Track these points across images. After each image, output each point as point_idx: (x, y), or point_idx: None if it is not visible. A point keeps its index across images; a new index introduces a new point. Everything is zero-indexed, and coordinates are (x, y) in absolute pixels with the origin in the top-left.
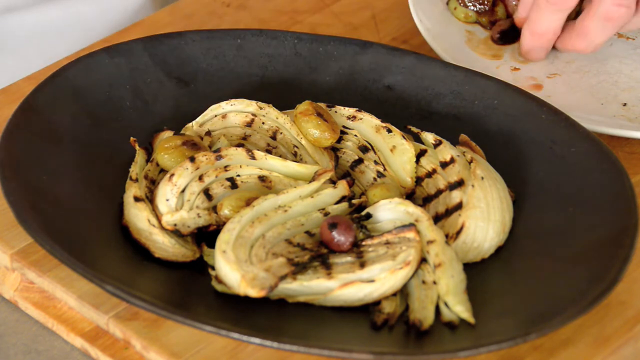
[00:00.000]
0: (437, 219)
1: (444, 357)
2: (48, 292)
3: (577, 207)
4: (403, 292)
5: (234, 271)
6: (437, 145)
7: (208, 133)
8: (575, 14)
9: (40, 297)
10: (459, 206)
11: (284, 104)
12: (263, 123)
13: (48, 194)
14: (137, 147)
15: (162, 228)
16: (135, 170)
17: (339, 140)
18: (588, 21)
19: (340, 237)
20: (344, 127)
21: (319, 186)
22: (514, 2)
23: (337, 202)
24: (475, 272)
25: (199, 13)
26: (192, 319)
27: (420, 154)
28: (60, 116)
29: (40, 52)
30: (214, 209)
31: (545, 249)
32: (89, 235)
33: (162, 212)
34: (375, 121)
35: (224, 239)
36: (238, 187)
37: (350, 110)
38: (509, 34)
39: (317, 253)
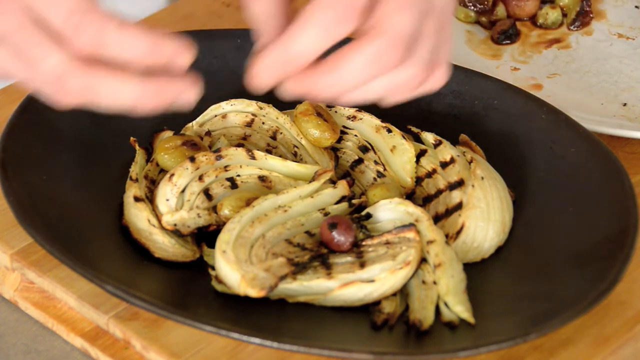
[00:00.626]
0: (437, 219)
1: (444, 357)
2: (48, 292)
3: (577, 207)
4: (403, 292)
5: (234, 271)
6: (437, 145)
7: (208, 133)
8: None
9: (40, 297)
10: (459, 206)
11: (284, 104)
12: (263, 123)
13: (48, 194)
14: (137, 147)
15: (162, 228)
16: (135, 170)
17: (339, 140)
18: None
19: (340, 237)
20: (344, 127)
21: (319, 186)
22: (513, 2)
23: (337, 202)
24: (475, 272)
25: (199, 13)
26: (192, 319)
27: (420, 154)
28: (60, 116)
29: None
30: (214, 209)
31: (545, 249)
32: (89, 235)
33: (162, 212)
34: (375, 121)
35: (224, 239)
36: (238, 187)
37: (350, 110)
38: (509, 34)
39: (317, 253)
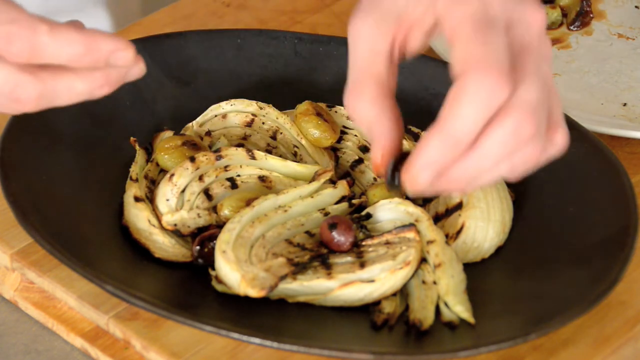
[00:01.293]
0: (437, 219)
1: (444, 357)
2: (48, 292)
3: (577, 207)
4: (403, 292)
5: (234, 271)
6: None
7: (208, 133)
8: None
9: (40, 297)
10: (459, 206)
11: (284, 104)
12: (263, 123)
13: (48, 194)
14: (137, 147)
15: (162, 228)
16: (135, 170)
17: (339, 140)
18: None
19: (340, 237)
20: (344, 127)
21: (319, 186)
22: None
23: (337, 202)
24: (475, 272)
25: (199, 13)
26: (192, 319)
27: None
28: (60, 116)
29: None
30: (214, 209)
31: (545, 249)
32: (89, 235)
33: (162, 212)
34: None
35: (224, 239)
36: (238, 187)
37: None
38: None
39: (317, 253)
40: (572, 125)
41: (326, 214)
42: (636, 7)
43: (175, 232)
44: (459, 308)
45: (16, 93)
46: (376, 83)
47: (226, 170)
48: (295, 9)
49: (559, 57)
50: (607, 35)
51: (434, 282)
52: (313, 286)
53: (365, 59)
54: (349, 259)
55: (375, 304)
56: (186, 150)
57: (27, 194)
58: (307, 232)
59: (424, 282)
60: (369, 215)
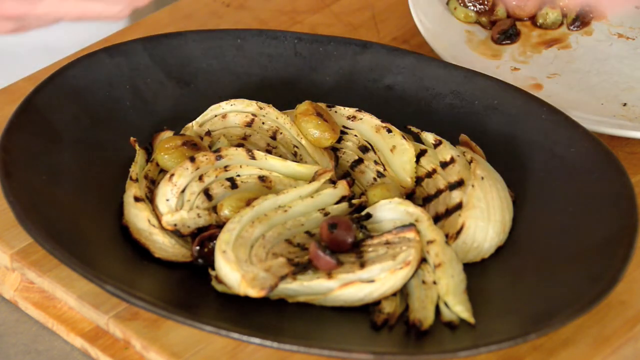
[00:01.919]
0: (437, 219)
1: (444, 357)
2: (48, 292)
3: (577, 207)
4: (403, 292)
5: (234, 271)
6: (437, 145)
7: (208, 133)
8: None
9: (40, 297)
10: (459, 206)
11: (284, 104)
12: (263, 123)
13: (48, 194)
14: (137, 147)
15: (162, 228)
16: (135, 170)
17: (339, 140)
18: None
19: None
20: (344, 127)
21: (319, 186)
22: (514, 2)
23: (337, 202)
24: (475, 272)
25: (199, 13)
26: (192, 319)
27: (420, 154)
28: (60, 116)
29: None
30: (214, 209)
31: (545, 249)
32: (89, 235)
33: (162, 212)
34: (375, 121)
35: (224, 239)
36: (238, 187)
37: (350, 110)
38: (509, 34)
39: None
40: (572, 125)
41: (326, 214)
42: (636, 7)
43: (175, 232)
44: (459, 308)
45: None
46: None
47: (226, 170)
48: (295, 9)
49: (559, 57)
50: (607, 35)
51: (434, 282)
52: (313, 286)
53: None
54: (349, 259)
55: (375, 304)
56: (186, 150)
57: (27, 194)
58: (307, 232)
59: (424, 282)
60: (369, 215)
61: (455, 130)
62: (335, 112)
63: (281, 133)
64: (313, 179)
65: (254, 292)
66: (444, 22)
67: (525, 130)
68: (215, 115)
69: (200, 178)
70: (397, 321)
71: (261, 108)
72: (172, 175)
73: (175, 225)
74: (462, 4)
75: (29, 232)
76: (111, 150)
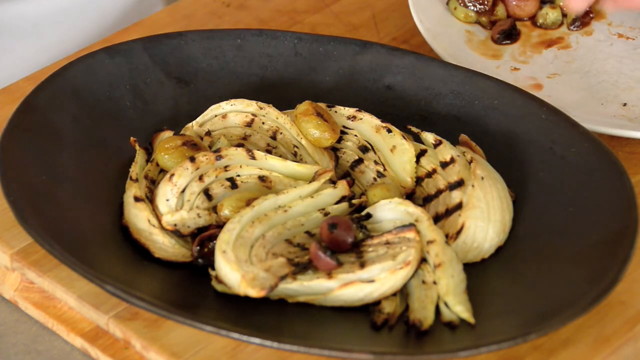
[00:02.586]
0: (437, 219)
1: (444, 357)
2: (48, 292)
3: (577, 207)
4: (403, 292)
5: (234, 271)
6: (437, 145)
7: (208, 133)
8: None
9: (40, 297)
10: (459, 206)
11: (284, 104)
12: (263, 123)
13: (48, 194)
14: (137, 147)
15: (162, 228)
16: (135, 170)
17: (339, 140)
18: None
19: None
20: (344, 127)
21: (319, 186)
22: (513, 2)
23: (337, 202)
24: (475, 272)
25: (199, 13)
26: (192, 319)
27: (420, 154)
28: (60, 116)
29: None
30: (214, 209)
31: (545, 249)
32: (89, 235)
33: (162, 212)
34: (375, 121)
35: (224, 239)
36: (238, 187)
37: (350, 110)
38: (509, 34)
39: None
40: (572, 125)
41: (326, 214)
42: None
43: (175, 232)
44: (459, 308)
45: None
46: None
47: (226, 170)
48: (295, 9)
49: (559, 57)
50: (607, 35)
51: (434, 282)
52: (313, 286)
53: None
54: (349, 259)
55: (375, 304)
56: (186, 150)
57: (27, 194)
58: (307, 232)
59: (424, 282)
60: (369, 215)
61: (455, 130)
62: (335, 112)
63: (281, 133)
64: (313, 179)
65: (254, 292)
66: (444, 22)
67: (525, 131)
68: (215, 115)
69: (200, 178)
70: (397, 321)
71: (261, 108)
72: (172, 175)
73: (175, 225)
74: (462, 4)
75: (29, 232)
76: (111, 150)
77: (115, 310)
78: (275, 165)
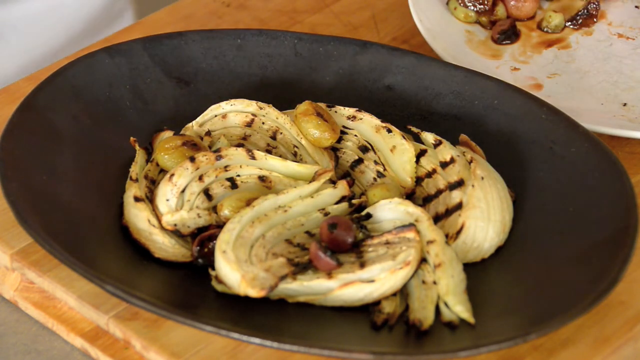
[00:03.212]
0: (437, 219)
1: (444, 357)
2: (48, 292)
3: (577, 207)
4: (403, 292)
5: (234, 271)
6: (437, 145)
7: (208, 133)
8: None
9: (40, 297)
10: (459, 206)
11: (284, 104)
12: (263, 123)
13: (48, 194)
14: (137, 147)
15: (162, 228)
16: (135, 170)
17: (339, 140)
18: None
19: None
20: (344, 127)
21: (319, 186)
22: (512, 3)
23: (337, 202)
24: (475, 272)
25: (199, 13)
26: (192, 319)
27: (420, 154)
28: (60, 116)
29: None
30: (214, 209)
31: (545, 249)
32: (89, 235)
33: (162, 212)
34: (375, 121)
35: (224, 239)
36: (238, 187)
37: (350, 110)
38: (509, 34)
39: None
40: (572, 125)
41: (326, 214)
42: (636, 7)
43: (175, 232)
44: (459, 308)
45: None
46: None
47: (226, 170)
48: (295, 9)
49: (559, 57)
50: (607, 35)
51: (434, 282)
52: (313, 286)
53: None
54: (349, 259)
55: (375, 304)
56: (186, 150)
57: (27, 194)
58: (307, 232)
59: (424, 282)
60: (369, 215)
61: (455, 130)
62: (335, 112)
63: (281, 133)
64: (313, 179)
65: (254, 292)
66: (444, 22)
67: (525, 130)
68: (215, 115)
69: (200, 178)
70: (397, 321)
71: (261, 108)
72: (172, 175)
73: (175, 225)
74: (462, 4)
75: (29, 232)
76: (111, 150)
77: (115, 310)
78: (275, 165)
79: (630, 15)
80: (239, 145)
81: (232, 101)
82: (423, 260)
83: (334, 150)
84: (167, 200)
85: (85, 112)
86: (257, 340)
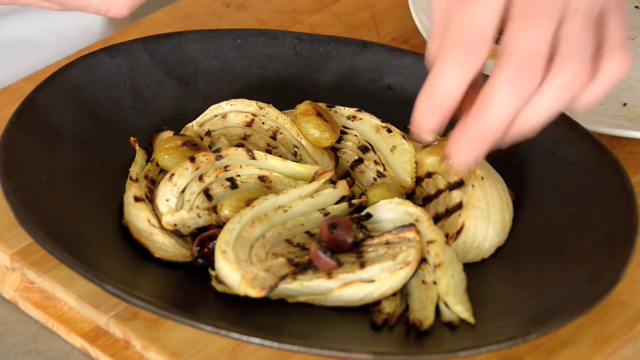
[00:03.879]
0: (437, 219)
1: (444, 357)
2: (48, 292)
3: (577, 207)
4: (403, 292)
5: (234, 271)
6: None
7: (208, 133)
8: None
9: (40, 297)
10: (459, 206)
11: (284, 104)
12: (263, 123)
13: (48, 194)
14: (137, 147)
15: (162, 228)
16: (135, 170)
17: (339, 140)
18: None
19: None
20: (344, 127)
21: (319, 186)
22: None
23: (337, 202)
24: (475, 272)
25: (199, 13)
26: (192, 319)
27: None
28: (60, 116)
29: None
30: (214, 209)
31: (545, 249)
32: (89, 235)
33: (162, 212)
34: (375, 121)
35: (224, 239)
36: (238, 187)
37: (350, 110)
38: None
39: None
40: (572, 125)
41: (326, 214)
42: (636, 7)
43: (175, 232)
44: (459, 308)
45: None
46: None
47: (226, 170)
48: (295, 9)
49: None
50: None
51: (434, 282)
52: (313, 286)
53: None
54: (348, 259)
55: (375, 304)
56: (186, 150)
57: (27, 194)
58: (307, 232)
59: (424, 282)
60: (369, 215)
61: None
62: (335, 112)
63: (281, 133)
64: (313, 179)
65: (254, 292)
66: None
67: None
68: (215, 115)
69: (200, 178)
70: (397, 321)
71: (261, 108)
72: (172, 175)
73: (175, 225)
74: None
75: (29, 232)
76: (111, 150)
77: (115, 310)
78: (275, 165)
79: (630, 15)
80: (239, 145)
81: (232, 101)
82: (423, 260)
83: (334, 150)
84: (167, 200)
85: (85, 112)
86: (257, 340)
